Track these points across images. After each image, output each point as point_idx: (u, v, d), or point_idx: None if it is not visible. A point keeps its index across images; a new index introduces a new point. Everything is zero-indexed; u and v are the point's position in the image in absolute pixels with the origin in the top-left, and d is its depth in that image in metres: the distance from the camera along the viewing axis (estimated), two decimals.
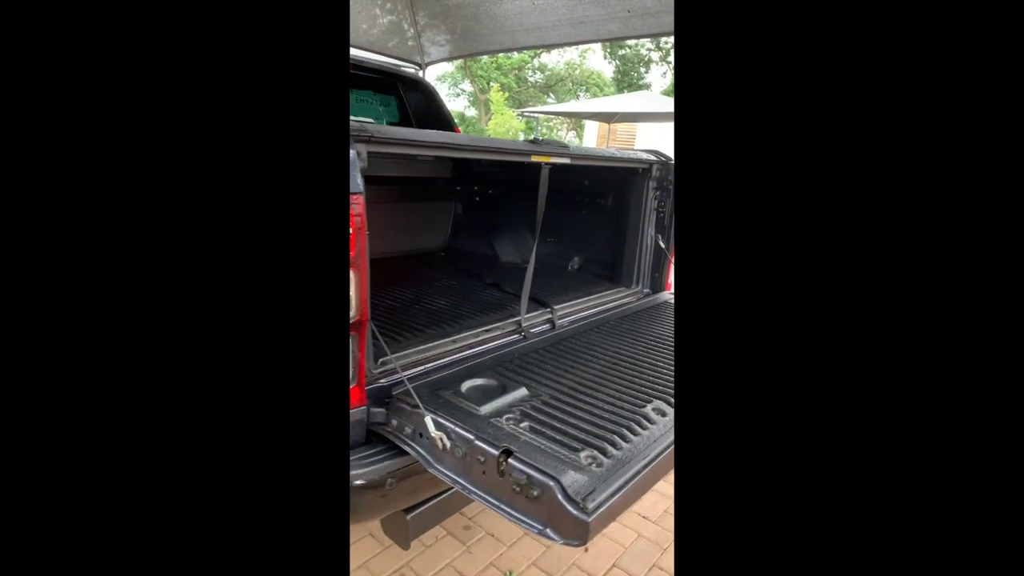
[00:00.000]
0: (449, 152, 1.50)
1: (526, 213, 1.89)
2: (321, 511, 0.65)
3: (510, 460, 1.10)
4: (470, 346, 1.78)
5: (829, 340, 0.60)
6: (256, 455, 0.63)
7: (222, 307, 0.62)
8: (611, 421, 1.29)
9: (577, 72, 21.97)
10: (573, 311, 2.24)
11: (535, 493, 1.04)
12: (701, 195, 0.66)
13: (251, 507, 0.63)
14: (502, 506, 1.11)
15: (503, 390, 1.43)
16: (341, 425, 0.68)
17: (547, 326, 2.08)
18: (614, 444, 1.19)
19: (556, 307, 2.15)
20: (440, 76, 23.18)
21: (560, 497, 1.00)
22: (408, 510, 1.43)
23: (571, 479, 1.04)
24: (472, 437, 1.19)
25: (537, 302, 2.19)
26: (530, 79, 22.60)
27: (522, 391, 1.43)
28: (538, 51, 21.26)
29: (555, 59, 22.37)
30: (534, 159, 1.80)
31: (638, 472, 1.10)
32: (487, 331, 1.87)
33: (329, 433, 0.66)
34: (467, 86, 22.54)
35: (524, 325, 1.97)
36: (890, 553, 0.57)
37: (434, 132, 1.48)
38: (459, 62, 21.21)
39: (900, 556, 0.57)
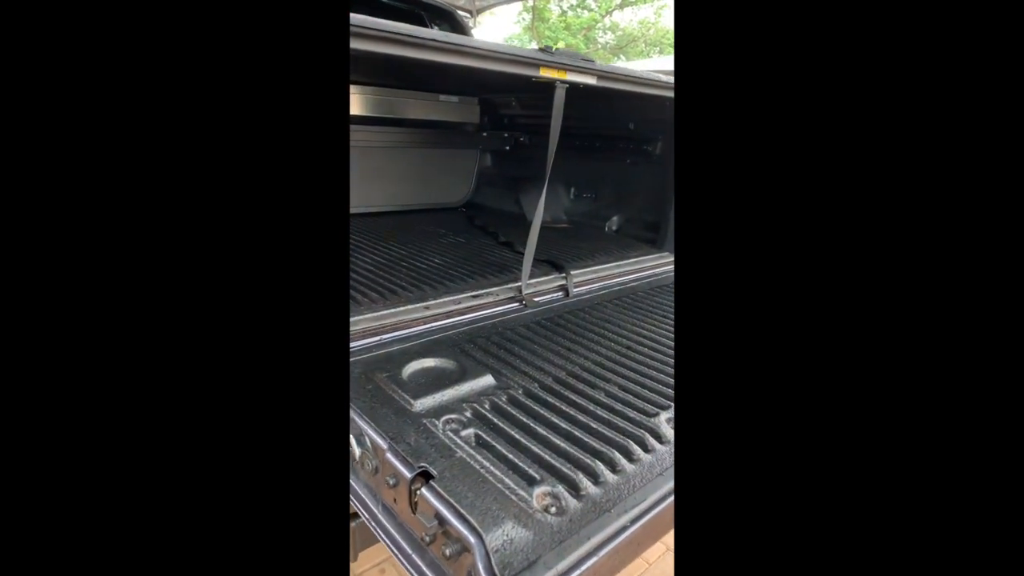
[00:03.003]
0: (403, 50, 1.06)
1: (562, 165, 1.47)
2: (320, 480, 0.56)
3: (423, 489, 0.72)
4: (449, 315, 1.40)
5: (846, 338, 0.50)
6: (248, 431, 0.55)
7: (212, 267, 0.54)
8: (600, 437, 0.86)
9: (651, 32, 20.54)
10: (596, 278, 1.79)
11: (447, 552, 0.65)
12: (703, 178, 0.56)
13: (248, 478, 0.55)
14: (412, 555, 0.73)
15: (460, 376, 1.03)
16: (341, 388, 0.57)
17: (558, 295, 1.66)
18: (595, 475, 0.77)
19: (573, 272, 1.72)
20: (506, 38, 22.41)
21: (480, 565, 0.61)
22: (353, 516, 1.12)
23: (504, 536, 0.63)
24: (386, 446, 0.81)
25: (550, 265, 1.76)
26: (600, 40, 21.37)
27: (487, 379, 1.03)
28: (610, 9, 20.02)
29: (628, 18, 21.00)
30: (543, 73, 1.35)
31: (621, 530, 0.67)
32: (475, 297, 1.47)
33: (328, 409, 0.57)
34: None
35: (526, 292, 1.55)
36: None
37: (391, 23, 1.05)
38: (526, 22, 20.35)
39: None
